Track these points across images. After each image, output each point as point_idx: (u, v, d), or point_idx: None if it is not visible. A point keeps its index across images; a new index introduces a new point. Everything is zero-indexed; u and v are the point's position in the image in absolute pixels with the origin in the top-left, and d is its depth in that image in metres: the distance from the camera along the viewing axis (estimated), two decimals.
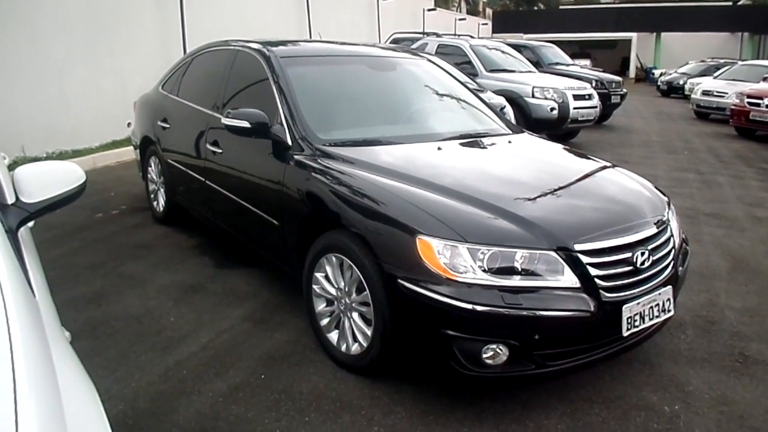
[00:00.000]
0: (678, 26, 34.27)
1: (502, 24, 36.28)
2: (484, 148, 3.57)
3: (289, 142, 3.33)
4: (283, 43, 4.25)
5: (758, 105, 11.95)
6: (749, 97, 12.22)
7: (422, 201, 2.65)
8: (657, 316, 2.71)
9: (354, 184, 2.88)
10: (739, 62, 19.04)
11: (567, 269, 2.47)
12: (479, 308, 2.36)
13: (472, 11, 50.45)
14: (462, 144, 3.52)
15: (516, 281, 2.43)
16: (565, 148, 3.78)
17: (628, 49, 36.02)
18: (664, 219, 2.92)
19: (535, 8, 50.67)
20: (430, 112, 3.95)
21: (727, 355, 3.30)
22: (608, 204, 2.88)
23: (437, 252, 2.43)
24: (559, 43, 34.73)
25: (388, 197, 2.71)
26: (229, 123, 3.44)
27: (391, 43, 11.94)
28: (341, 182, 2.94)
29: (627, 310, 2.56)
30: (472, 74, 9.90)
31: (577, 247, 2.49)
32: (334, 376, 2.97)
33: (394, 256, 2.57)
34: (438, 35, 11.28)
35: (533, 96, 9.28)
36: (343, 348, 2.98)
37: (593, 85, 12.28)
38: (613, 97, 12.73)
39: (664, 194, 3.33)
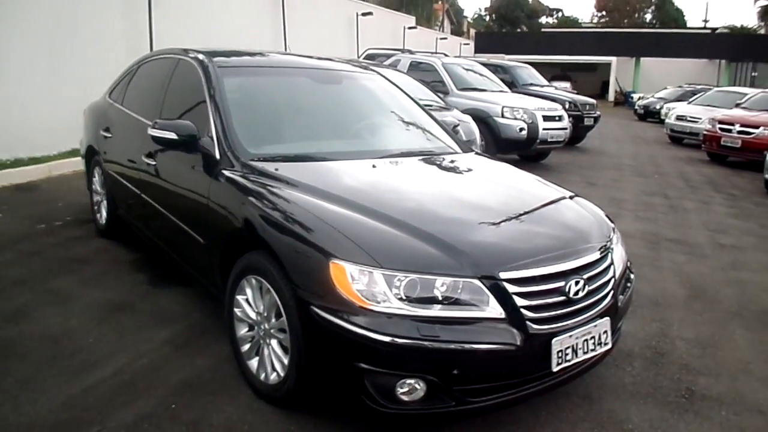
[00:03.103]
0: (657, 52, 34.76)
1: (484, 44, 36.51)
2: (423, 167, 3.41)
3: (218, 155, 3.15)
4: (227, 52, 4.07)
5: (729, 131, 12.01)
6: (721, 123, 12.28)
7: (341, 222, 2.48)
8: (592, 350, 2.54)
9: (275, 202, 2.69)
10: (714, 88, 19.23)
11: (492, 299, 2.30)
12: (393, 340, 2.18)
13: (457, 31, 50.91)
14: (399, 162, 3.35)
15: (435, 311, 2.25)
16: (513, 170, 3.63)
17: (608, 72, 36.43)
18: (605, 246, 2.77)
19: (518, 30, 51.25)
20: (372, 128, 3.79)
21: (673, 390, 3.13)
22: (543, 230, 2.72)
23: (350, 278, 2.25)
24: (540, 65, 35.03)
25: (306, 216, 2.53)
26: (156, 134, 3.26)
27: (365, 58, 11.83)
28: (263, 199, 2.76)
29: (557, 344, 2.39)
30: (443, 92, 9.81)
31: (503, 275, 2.32)
32: (251, 407, 2.76)
33: (307, 280, 2.39)
34: (411, 52, 11.20)
35: (503, 116, 9.19)
36: (262, 377, 2.77)
37: (566, 107, 12.26)
38: (586, 119, 12.72)
39: (610, 220, 3.18)
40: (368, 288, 2.23)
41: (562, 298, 2.44)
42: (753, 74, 35.02)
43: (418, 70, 10.46)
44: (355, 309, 2.23)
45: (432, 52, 11.28)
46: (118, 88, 5.15)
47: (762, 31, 44.16)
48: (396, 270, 2.24)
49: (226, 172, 3.05)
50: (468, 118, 7.67)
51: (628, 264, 3.12)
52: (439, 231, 2.46)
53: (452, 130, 4.31)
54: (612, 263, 2.75)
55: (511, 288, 2.32)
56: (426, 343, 2.19)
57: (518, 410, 2.80)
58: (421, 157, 3.49)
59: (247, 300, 2.83)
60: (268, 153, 3.15)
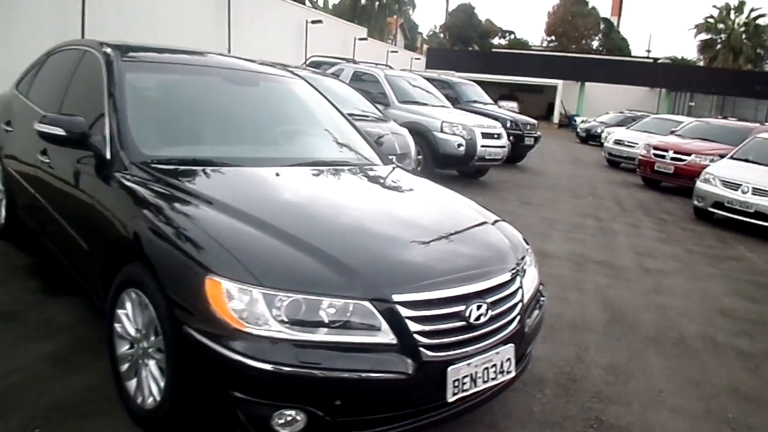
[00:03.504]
0: (601, 77, 35.87)
1: (436, 61, 36.87)
2: (332, 178, 3.22)
3: (108, 155, 2.89)
4: (138, 47, 3.80)
5: (663, 157, 12.34)
6: (655, 148, 12.62)
7: (225, 233, 2.27)
8: (493, 379, 2.40)
9: (158, 209, 2.46)
10: (651, 115, 19.88)
11: (384, 323, 2.13)
12: (269, 368, 1.98)
13: (410, 46, 51.34)
14: (307, 172, 3.15)
15: (321, 336, 2.06)
16: (431, 187, 3.49)
17: (554, 95, 37.34)
18: (515, 269, 2.64)
19: (470, 49, 52.10)
20: (285, 134, 3.59)
21: (582, 419, 3.03)
22: (447, 251, 2.58)
23: (227, 296, 2.04)
24: (489, 84, 35.55)
25: (187, 226, 2.31)
26: (43, 129, 2.98)
27: (309, 65, 11.63)
28: (146, 205, 2.52)
29: (454, 372, 2.24)
30: (384, 104, 9.68)
31: (396, 297, 2.16)
32: None
33: (183, 296, 2.17)
34: (356, 62, 11.07)
35: (442, 131, 9.13)
36: (140, 400, 2.51)
37: (508, 125, 12.37)
38: (527, 138, 12.85)
39: (525, 242, 3.07)
40: (246, 308, 2.03)
41: (462, 323, 2.29)
42: (690, 104, 36.59)
43: (360, 80, 10.31)
44: (229, 331, 2.02)
45: (376, 64, 11.18)
46: (26, 80, 4.80)
47: (701, 64, 46.28)
48: (278, 289, 2.05)
49: (115, 173, 2.80)
50: (404, 131, 7.55)
51: (540, 287, 3.02)
52: (333, 248, 2.28)
53: (376, 142, 4.15)
54: (521, 287, 2.62)
55: (404, 312, 2.15)
56: (305, 371, 2.01)
57: None
58: (333, 168, 3.30)
59: (127, 315, 2.58)
60: (163, 155, 2.90)
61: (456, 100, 12.84)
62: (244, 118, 3.48)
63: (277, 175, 2.95)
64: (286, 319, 2.04)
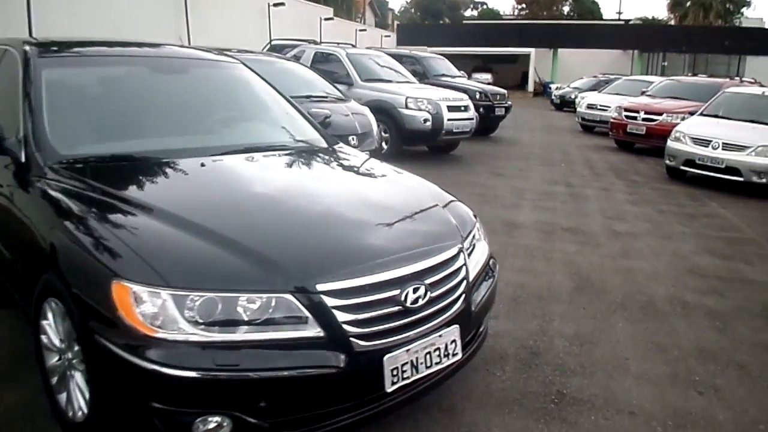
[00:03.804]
0: (574, 43, 35.70)
1: (407, 36, 36.44)
2: (264, 164, 3.05)
3: (23, 158, 2.70)
4: (62, 43, 3.57)
5: (635, 118, 12.25)
6: (627, 110, 12.53)
7: (134, 234, 2.12)
8: (437, 363, 2.28)
9: (70, 212, 2.30)
10: (623, 78, 19.78)
11: (309, 316, 1.99)
12: (181, 374, 1.85)
13: (382, 24, 50.73)
14: (238, 160, 2.98)
15: (241, 335, 1.93)
16: (375, 167, 3.33)
17: (528, 64, 37.14)
18: (457, 246, 2.50)
19: (441, 22, 51.62)
20: (216, 121, 3.40)
21: (543, 394, 2.93)
22: (380, 233, 2.44)
23: (134, 301, 1.90)
24: (462, 57, 35.15)
25: (97, 228, 2.16)
26: None
27: (269, 49, 11.36)
28: (59, 209, 2.35)
29: (391, 361, 2.11)
30: (347, 83, 9.49)
31: (321, 287, 2.02)
32: None
33: (93, 303, 2.02)
34: (316, 43, 10.80)
35: (407, 107, 8.95)
36: (70, 414, 2.36)
37: (477, 97, 12.22)
38: (497, 109, 12.70)
39: (474, 216, 2.94)
40: (156, 312, 1.89)
41: (397, 308, 2.16)
42: (663, 63, 36.57)
43: (322, 61, 10.09)
44: (139, 338, 1.88)
45: (338, 44, 10.93)
46: None
47: (672, 23, 46.20)
48: (189, 289, 1.90)
49: (31, 178, 2.62)
50: (365, 110, 7.37)
51: (492, 261, 2.90)
52: (253, 240, 2.14)
53: (322, 123, 3.97)
54: (465, 265, 2.49)
55: (330, 301, 2.01)
56: (223, 374, 1.87)
57: (368, 429, 2.52)
58: (267, 153, 3.13)
59: (50, 325, 2.42)
60: (80, 154, 2.72)
61: (424, 75, 12.66)
62: (171, 108, 3.28)
63: (202, 165, 2.79)
64: (200, 321, 1.90)
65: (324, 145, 3.55)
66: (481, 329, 2.74)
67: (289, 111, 3.74)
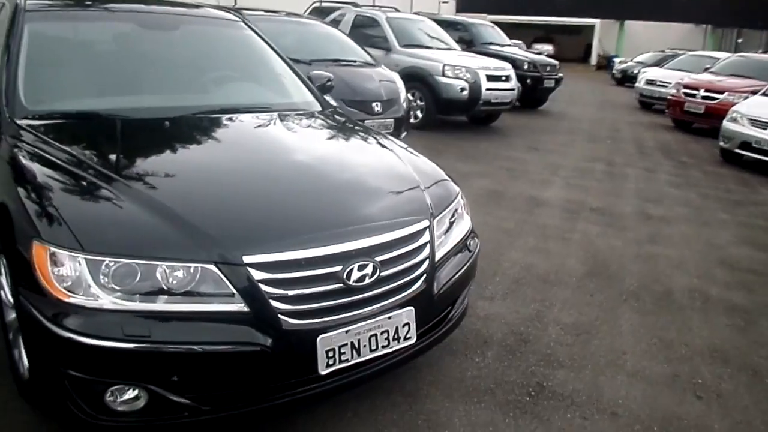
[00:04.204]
0: (642, 15, 33.81)
1: (467, 3, 35.38)
2: (237, 126, 2.88)
3: None
4: None
5: (694, 96, 11.50)
6: (686, 87, 11.76)
7: (64, 194, 2.02)
8: (384, 347, 2.09)
9: (20, 167, 2.21)
10: (688, 53, 18.61)
11: (233, 289, 1.84)
12: (90, 341, 1.74)
13: None
14: (207, 120, 2.83)
15: (158, 305, 1.80)
16: (362, 136, 3.11)
17: (592, 35, 35.60)
18: (422, 223, 2.28)
19: None
20: (200, 80, 3.23)
21: (520, 386, 2.72)
22: (330, 203, 2.24)
23: (50, 263, 1.80)
24: (524, 27, 33.84)
25: (35, 186, 2.05)
26: None
27: (311, 12, 11.15)
28: (11, 163, 2.26)
29: (325, 342, 1.94)
30: (385, 48, 9.22)
31: (247, 259, 1.86)
32: (4, 407, 2.32)
33: (17, 264, 1.95)
34: (357, 6, 10.52)
35: (443, 74, 8.61)
36: (21, 370, 2.32)
37: (525, 67, 11.73)
38: (546, 80, 12.15)
39: (456, 191, 2.69)
40: (71, 276, 1.78)
41: (338, 285, 1.98)
42: (738, 40, 34.33)
43: (363, 24, 9.82)
44: (53, 302, 1.79)
45: (380, 7, 10.61)
46: None
47: None
48: (105, 254, 1.78)
49: None
50: (394, 77, 7.11)
51: (471, 241, 2.68)
52: (187, 207, 1.98)
53: (323, 86, 3.77)
54: (430, 243, 2.28)
55: (258, 275, 1.86)
56: (132, 345, 1.75)
57: (321, 410, 2.39)
58: (245, 115, 2.97)
59: (1, 283, 2.38)
60: (48, 110, 2.63)
61: (471, 42, 12.22)
62: (155, 66, 3.14)
63: (166, 125, 2.65)
64: (117, 288, 1.78)
65: (317, 108, 3.36)
66: (452, 313, 2.53)
67: (283, 72, 3.55)
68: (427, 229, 2.29)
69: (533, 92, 12.16)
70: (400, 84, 7.02)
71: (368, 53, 7.59)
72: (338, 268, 1.98)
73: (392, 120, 6.57)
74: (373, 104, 6.40)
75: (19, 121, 2.52)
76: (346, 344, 1.99)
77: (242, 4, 12.33)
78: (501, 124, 10.37)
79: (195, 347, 1.80)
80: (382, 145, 2.89)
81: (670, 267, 4.36)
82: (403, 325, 2.14)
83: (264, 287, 1.86)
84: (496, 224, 4.96)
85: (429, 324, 2.33)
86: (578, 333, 3.24)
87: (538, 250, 4.46)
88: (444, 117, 9.29)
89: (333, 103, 5.99)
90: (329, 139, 3.04)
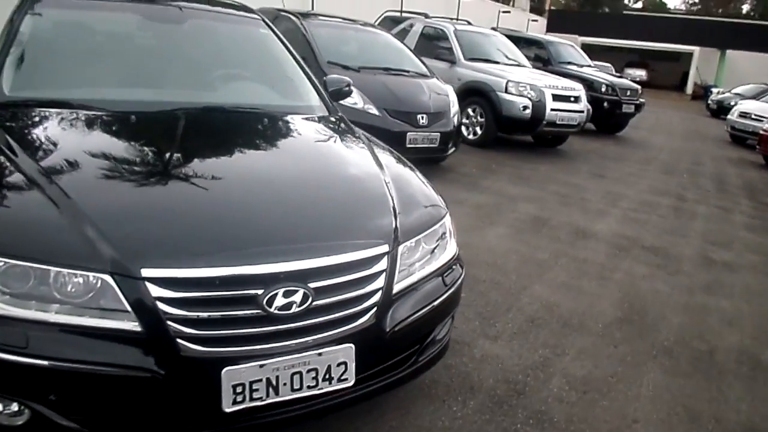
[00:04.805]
0: (745, 45, 31.70)
1: (558, 23, 34.51)
2: (206, 125, 2.67)
3: None
4: None
5: None
6: None
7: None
8: (311, 387, 1.80)
9: None
10: None
11: (126, 304, 1.61)
12: None
13: (537, 8, 48.58)
14: (181, 117, 2.63)
15: (44, 314, 1.60)
16: (354, 145, 2.82)
17: (690, 63, 33.73)
18: (380, 248, 1.96)
19: (600, 11, 48.33)
20: (194, 76, 3.03)
21: None
22: (265, 218, 1.97)
23: None
24: (617, 50, 32.56)
25: None
26: None
27: (382, 21, 10.99)
28: None
29: (232, 375, 1.67)
30: (450, 61, 8.93)
31: (146, 272, 1.62)
32: None
33: None
34: (427, 16, 10.27)
35: (506, 91, 8.19)
36: None
37: (603, 90, 11.11)
38: (625, 105, 11.43)
39: (441, 214, 2.36)
40: None
41: (255, 311, 1.71)
42: None
43: (430, 36, 9.59)
44: None
45: (451, 19, 10.30)
46: None
47: None
48: None
49: None
50: (447, 90, 6.79)
51: (451, 271, 2.34)
52: (100, 211, 1.77)
53: (341, 91, 3.51)
54: (385, 272, 1.97)
55: (156, 291, 1.61)
56: (4, 355, 1.55)
57: None
58: (229, 114, 2.77)
59: None
60: (22, 96, 2.53)
61: (547, 61, 11.75)
62: (148, 58, 3.02)
63: (132, 119, 2.48)
64: (5, 290, 1.60)
65: (321, 113, 3.12)
66: (417, 355, 2.20)
67: (294, 74, 3.33)
68: (385, 256, 1.98)
69: (610, 117, 11.48)
70: (453, 98, 6.70)
71: (424, 64, 7.32)
72: (258, 291, 1.71)
73: (438, 134, 6.26)
74: (419, 116, 6.11)
75: None
76: (260, 380, 1.71)
77: (319, 10, 12.40)
78: (569, 147, 9.80)
79: (75, 365, 1.57)
80: (371, 159, 2.58)
81: (721, 322, 3.80)
82: (338, 365, 1.84)
83: (161, 305, 1.61)
84: (527, 254, 4.54)
85: (378, 366, 2.01)
86: (586, 390, 2.81)
87: (568, 287, 4.01)
88: (506, 136, 8.86)
89: (374, 110, 5.82)
90: (312, 146, 2.78)
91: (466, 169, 7.21)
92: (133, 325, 1.61)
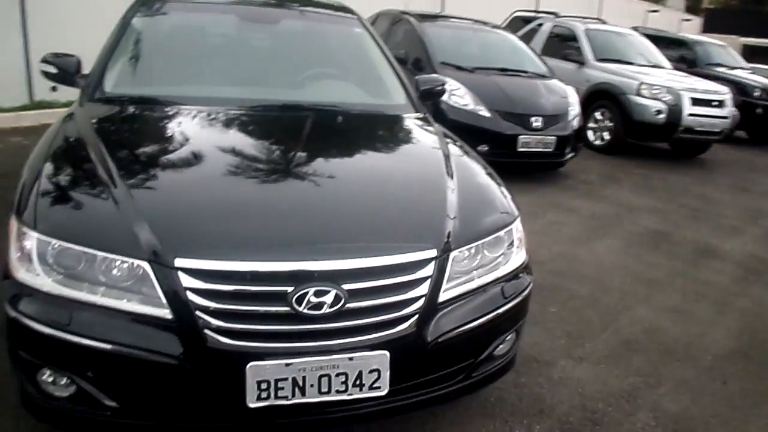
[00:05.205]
0: None
1: (716, 23, 31.51)
2: (280, 122, 2.70)
3: (80, 91, 2.82)
4: None
5: None
6: None
7: (54, 175, 2.02)
8: (340, 392, 1.73)
9: (51, 142, 2.29)
10: None
11: (160, 292, 1.66)
12: (16, 317, 1.71)
13: (693, 8, 44.95)
14: (260, 114, 2.69)
15: (89, 295, 1.69)
16: (423, 141, 2.74)
17: None
18: (426, 253, 1.85)
19: (766, 9, 43.54)
20: (283, 74, 3.11)
21: None
22: (307, 217, 1.93)
23: (15, 238, 1.81)
24: None
25: (42, 164, 2.08)
26: (41, 68, 3.05)
27: (511, 21, 10.65)
28: (49, 138, 2.35)
29: (257, 371, 1.65)
30: (578, 62, 8.46)
31: (179, 262, 1.65)
32: None
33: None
34: (557, 15, 9.78)
35: (638, 94, 7.58)
36: None
37: (756, 94, 9.98)
38: None
39: (507, 222, 2.18)
40: (24, 253, 1.76)
41: (284, 309, 1.68)
42: None
43: (559, 35, 9.15)
44: (8, 275, 1.79)
45: (583, 18, 9.71)
46: None
47: None
48: (51, 235, 1.73)
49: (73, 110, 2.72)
50: (567, 92, 6.41)
51: (518, 274, 2.16)
52: (152, 202, 1.88)
53: (434, 90, 3.42)
54: (430, 278, 1.86)
55: (188, 281, 1.64)
56: (49, 330, 1.67)
57: None
58: (307, 112, 2.79)
59: None
60: (118, 93, 2.71)
61: (693, 62, 10.74)
62: (239, 57, 3.14)
63: (212, 115, 2.56)
64: (58, 270, 1.71)
65: (408, 112, 3.05)
66: (471, 372, 2.06)
67: (383, 74, 3.30)
68: (432, 262, 1.87)
69: (764, 124, 10.27)
70: (573, 99, 6.33)
71: (546, 65, 6.99)
72: (288, 289, 1.67)
73: (554, 138, 5.93)
74: (532, 119, 5.83)
75: (88, 101, 2.64)
76: (286, 379, 1.68)
77: (449, 12, 12.32)
78: (711, 156, 8.88)
79: (108, 345, 1.64)
80: (440, 161, 2.45)
81: None
82: (371, 371, 1.76)
83: (191, 295, 1.64)
84: (638, 271, 4.15)
85: (418, 378, 1.90)
86: (676, 429, 2.49)
87: (679, 311, 3.61)
88: (637, 142, 8.22)
89: (484, 112, 5.65)
90: (381, 144, 2.74)
91: (586, 176, 6.78)
92: (165, 313, 1.65)
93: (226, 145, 2.31)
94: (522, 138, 5.79)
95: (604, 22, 9.86)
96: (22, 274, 1.73)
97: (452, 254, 1.94)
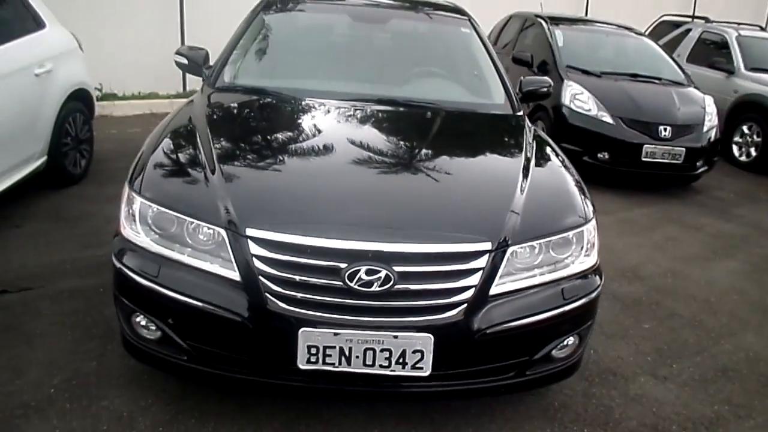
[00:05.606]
0: None
1: None
2: (380, 116, 2.85)
3: (203, 80, 3.21)
4: None
5: None
6: None
7: (165, 150, 2.35)
8: (383, 366, 1.85)
9: (167, 124, 2.66)
10: None
11: (232, 257, 1.89)
12: (119, 267, 2.05)
13: None
14: (359, 108, 2.86)
15: (176, 254, 1.97)
16: (509, 139, 2.80)
17: None
18: (481, 244, 1.92)
19: None
20: (388, 71, 3.28)
21: None
22: (374, 199, 2.13)
23: (126, 203, 2.13)
24: None
25: (154, 138, 2.45)
26: (175, 59, 3.44)
27: (658, 25, 10.02)
28: (170, 118, 2.73)
29: (308, 336, 1.82)
30: (727, 70, 7.81)
31: (249, 231, 1.87)
32: None
33: None
34: (707, 20, 9.02)
35: None
36: None
37: None
38: None
39: (579, 223, 2.17)
40: (131, 214, 2.08)
41: (336, 283, 1.82)
42: None
43: (708, 42, 8.50)
44: (117, 233, 2.14)
45: (737, 24, 8.86)
46: None
47: None
48: (152, 200, 2.03)
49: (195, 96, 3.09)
50: (704, 102, 5.96)
51: (586, 276, 2.14)
52: (240, 178, 2.18)
53: (538, 92, 3.43)
54: (483, 269, 1.91)
55: (255, 249, 1.86)
56: (142, 280, 1.97)
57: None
58: (405, 108, 2.94)
59: None
60: (235, 83, 3.05)
61: None
62: (346, 54, 3.38)
63: (315, 107, 2.81)
64: (155, 229, 2.01)
65: (505, 111, 3.09)
66: (523, 369, 2.07)
67: (485, 72, 3.36)
68: (486, 254, 1.92)
69: None
70: (711, 110, 5.89)
71: (685, 72, 6.55)
72: (341, 265, 1.82)
73: (683, 149, 5.57)
74: (660, 128, 5.52)
75: (208, 89, 2.99)
76: (334, 347, 1.83)
77: (593, 15, 11.85)
78: None
79: (187, 299, 1.90)
80: (519, 159, 2.48)
81: None
82: (414, 351, 1.85)
83: (256, 262, 1.85)
84: (756, 297, 3.83)
85: (463, 366, 1.96)
86: None
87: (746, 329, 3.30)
88: None
89: (607, 118, 5.46)
90: (466, 140, 2.82)
91: (721, 193, 6.27)
92: (234, 275, 1.87)
93: (314, 134, 2.53)
94: (647, 147, 5.50)
95: (762, 29, 8.99)
96: (127, 232, 2.05)
97: (510, 249, 1.97)
